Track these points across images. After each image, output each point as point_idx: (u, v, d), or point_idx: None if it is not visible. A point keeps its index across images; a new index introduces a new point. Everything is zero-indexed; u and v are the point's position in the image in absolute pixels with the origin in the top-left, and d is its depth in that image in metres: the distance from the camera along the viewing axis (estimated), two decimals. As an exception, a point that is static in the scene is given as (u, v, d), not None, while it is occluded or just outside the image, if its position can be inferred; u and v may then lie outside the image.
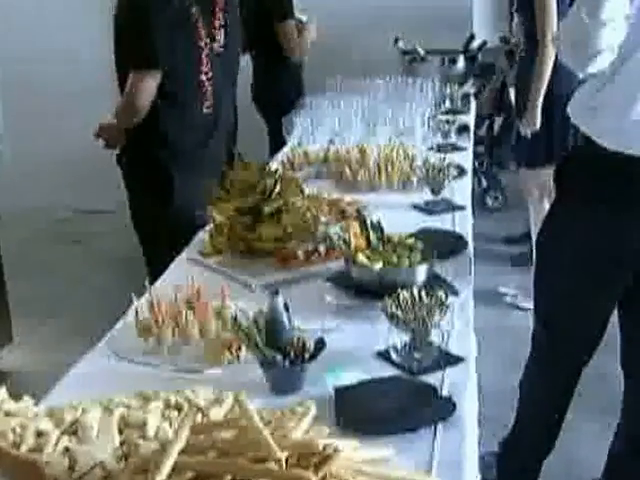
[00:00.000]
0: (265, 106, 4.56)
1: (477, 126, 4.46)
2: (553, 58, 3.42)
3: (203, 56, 2.75)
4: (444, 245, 2.16)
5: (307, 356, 1.52)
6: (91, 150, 2.89)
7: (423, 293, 1.70)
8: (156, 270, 2.33)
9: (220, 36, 3.37)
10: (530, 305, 2.58)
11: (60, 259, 4.89)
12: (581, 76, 2.09)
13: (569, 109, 2.13)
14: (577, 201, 2.14)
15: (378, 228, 2.03)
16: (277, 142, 4.50)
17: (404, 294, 1.68)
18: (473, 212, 2.63)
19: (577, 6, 1.98)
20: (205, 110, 2.79)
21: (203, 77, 2.76)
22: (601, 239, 2.10)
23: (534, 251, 2.39)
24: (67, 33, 5.37)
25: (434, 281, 1.92)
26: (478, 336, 1.79)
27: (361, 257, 1.93)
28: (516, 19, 3.97)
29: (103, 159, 2.96)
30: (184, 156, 2.73)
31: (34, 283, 4.50)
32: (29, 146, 5.58)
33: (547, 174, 2.69)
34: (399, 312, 1.63)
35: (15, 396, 1.37)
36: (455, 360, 1.63)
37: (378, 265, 1.90)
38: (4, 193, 5.36)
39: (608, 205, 2.05)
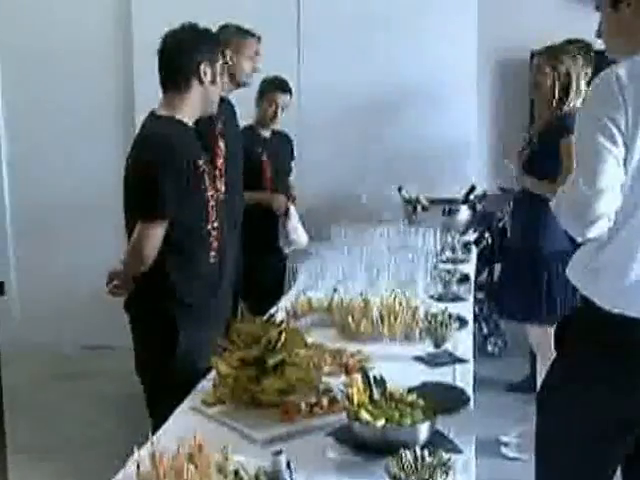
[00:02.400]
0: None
1: (477, 273, 4.53)
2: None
3: (209, 207, 2.80)
4: (446, 400, 2.16)
5: (309, 518, 1.52)
6: (99, 287, 2.93)
7: (426, 453, 1.70)
8: (158, 416, 2.33)
9: (221, 184, 3.48)
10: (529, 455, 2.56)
11: (62, 396, 4.84)
12: (579, 240, 2.15)
13: (568, 271, 2.19)
14: (577, 360, 2.15)
15: (381, 384, 2.05)
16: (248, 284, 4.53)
17: (407, 455, 1.68)
18: (474, 358, 2.65)
19: (575, 175, 2.06)
20: (211, 260, 2.82)
21: (209, 227, 2.80)
22: (602, 399, 2.10)
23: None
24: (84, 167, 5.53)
25: (436, 438, 1.91)
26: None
27: (363, 413, 1.94)
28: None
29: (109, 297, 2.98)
30: (191, 306, 2.74)
31: (33, 421, 4.45)
32: (35, 281, 5.64)
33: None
34: (402, 474, 1.63)
35: None
36: (458, 524, 1.63)
37: (380, 422, 1.91)
38: (9, 329, 5.38)
39: (609, 364, 2.07)
